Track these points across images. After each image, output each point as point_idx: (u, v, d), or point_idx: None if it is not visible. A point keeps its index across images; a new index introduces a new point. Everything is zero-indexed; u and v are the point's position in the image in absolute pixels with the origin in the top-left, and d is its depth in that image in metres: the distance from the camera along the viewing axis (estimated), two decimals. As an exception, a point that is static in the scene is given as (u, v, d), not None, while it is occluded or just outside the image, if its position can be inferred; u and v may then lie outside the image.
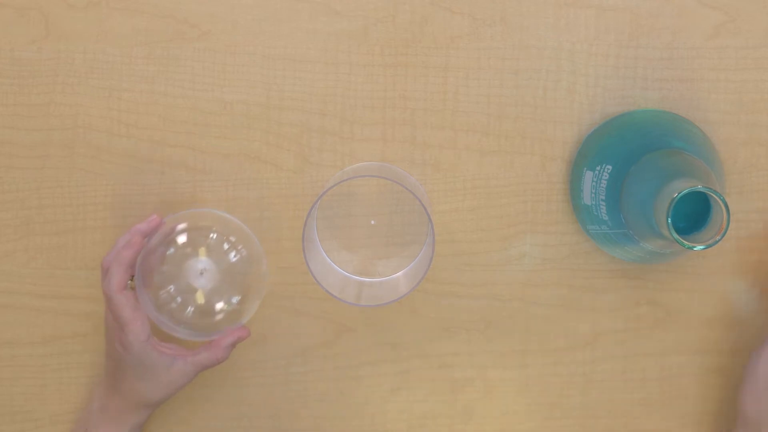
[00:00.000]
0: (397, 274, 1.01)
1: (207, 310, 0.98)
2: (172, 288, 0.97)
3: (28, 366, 1.04)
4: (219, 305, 0.98)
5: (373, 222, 1.02)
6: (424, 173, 1.02)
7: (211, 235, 0.97)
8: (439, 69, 1.01)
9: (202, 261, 0.97)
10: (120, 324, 0.94)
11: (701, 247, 0.86)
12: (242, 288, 0.98)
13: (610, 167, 0.94)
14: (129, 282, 0.95)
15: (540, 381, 1.04)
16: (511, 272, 1.03)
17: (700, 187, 0.85)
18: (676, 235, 0.85)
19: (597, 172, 0.96)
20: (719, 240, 0.86)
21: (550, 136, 1.02)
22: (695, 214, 0.89)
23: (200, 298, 0.97)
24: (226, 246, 0.97)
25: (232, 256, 0.97)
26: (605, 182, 0.94)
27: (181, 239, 0.97)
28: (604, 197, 0.95)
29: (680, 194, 0.85)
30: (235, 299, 0.98)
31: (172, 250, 0.97)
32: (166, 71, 1.01)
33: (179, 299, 0.97)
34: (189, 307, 0.97)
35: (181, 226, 0.97)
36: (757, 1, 1.00)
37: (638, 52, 1.01)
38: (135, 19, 1.01)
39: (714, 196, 0.85)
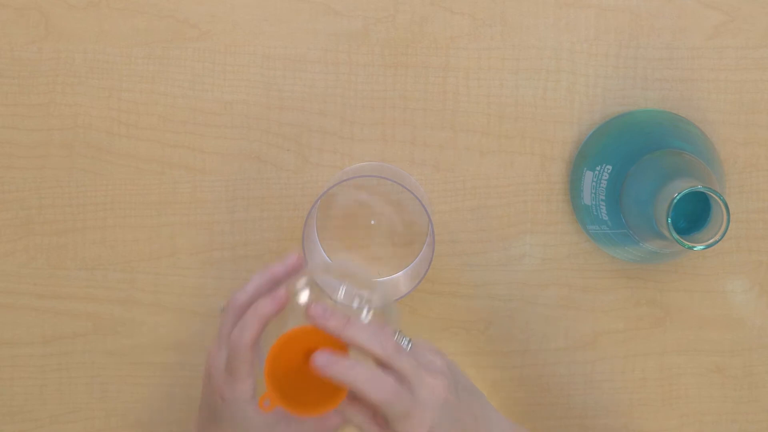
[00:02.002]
0: (397, 274, 1.01)
1: None
2: None
3: (28, 366, 1.03)
4: None
5: (373, 222, 1.02)
6: (424, 173, 1.02)
7: (340, 290, 0.86)
8: (439, 69, 1.01)
9: None
10: (233, 377, 0.85)
11: (701, 247, 0.86)
12: None
13: (610, 167, 0.94)
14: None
15: (540, 381, 1.04)
16: (511, 272, 1.03)
17: (700, 187, 0.85)
18: (676, 235, 0.85)
19: (597, 172, 0.96)
20: (719, 240, 0.86)
21: (550, 136, 1.02)
22: (695, 214, 0.89)
23: None
24: (356, 303, 0.86)
25: (364, 315, 0.86)
26: (605, 182, 0.94)
27: (303, 298, 0.86)
28: (604, 197, 0.95)
29: (680, 194, 0.85)
30: None
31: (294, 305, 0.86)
32: (166, 71, 1.01)
33: None
34: None
35: (302, 281, 0.86)
36: (757, 1, 1.00)
37: (638, 52, 1.01)
38: (135, 19, 1.01)
39: (714, 196, 0.85)
